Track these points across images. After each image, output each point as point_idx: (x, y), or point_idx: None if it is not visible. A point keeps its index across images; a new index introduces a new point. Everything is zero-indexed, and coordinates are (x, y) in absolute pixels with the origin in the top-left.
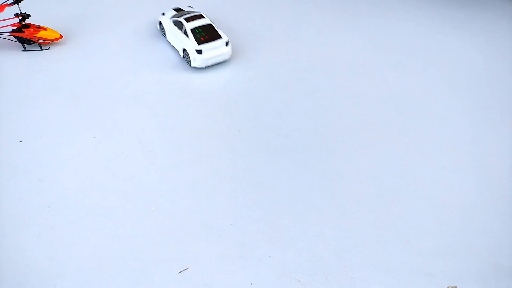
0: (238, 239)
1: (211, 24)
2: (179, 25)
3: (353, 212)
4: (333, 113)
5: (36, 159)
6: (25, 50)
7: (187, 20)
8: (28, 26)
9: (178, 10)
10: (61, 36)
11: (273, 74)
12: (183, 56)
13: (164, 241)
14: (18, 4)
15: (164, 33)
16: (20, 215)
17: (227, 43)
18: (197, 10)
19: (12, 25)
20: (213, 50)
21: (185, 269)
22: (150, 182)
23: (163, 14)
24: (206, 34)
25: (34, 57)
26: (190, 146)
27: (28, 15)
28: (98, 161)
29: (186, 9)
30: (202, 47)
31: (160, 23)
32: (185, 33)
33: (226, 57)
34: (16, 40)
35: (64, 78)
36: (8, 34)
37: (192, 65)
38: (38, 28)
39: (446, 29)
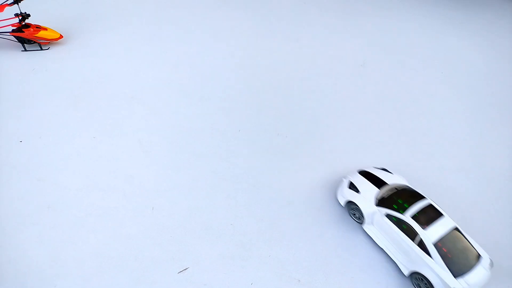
0: (238, 239)
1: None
2: (405, 228)
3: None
4: (333, 113)
5: (36, 159)
6: (25, 50)
7: (420, 221)
8: (28, 26)
9: (366, 174)
10: (61, 36)
11: (272, 74)
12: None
13: (164, 241)
14: (18, 4)
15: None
16: (20, 215)
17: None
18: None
19: (12, 25)
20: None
21: (185, 269)
22: (150, 182)
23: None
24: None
25: (34, 57)
26: (190, 146)
27: (28, 15)
28: (98, 161)
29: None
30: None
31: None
32: (421, 247)
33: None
34: (16, 40)
35: (64, 78)
36: (8, 34)
37: None
38: (38, 28)
39: (446, 29)
